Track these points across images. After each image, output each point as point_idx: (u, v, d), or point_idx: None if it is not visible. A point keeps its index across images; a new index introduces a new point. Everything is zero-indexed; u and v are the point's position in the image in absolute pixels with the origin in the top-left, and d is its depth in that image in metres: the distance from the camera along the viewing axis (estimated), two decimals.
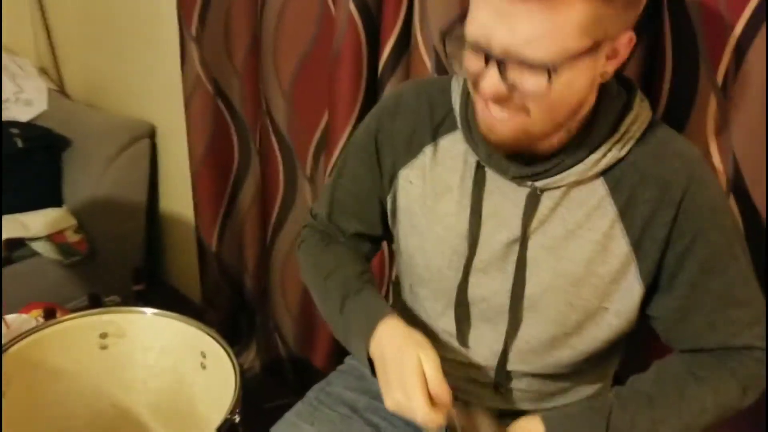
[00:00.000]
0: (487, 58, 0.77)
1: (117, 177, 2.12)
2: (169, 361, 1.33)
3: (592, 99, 0.84)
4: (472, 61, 0.80)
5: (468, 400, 1.04)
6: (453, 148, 0.95)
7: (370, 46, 1.40)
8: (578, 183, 0.87)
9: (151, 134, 2.21)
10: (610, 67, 0.80)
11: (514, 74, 0.76)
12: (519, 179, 0.89)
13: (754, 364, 0.91)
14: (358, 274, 1.02)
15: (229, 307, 2.09)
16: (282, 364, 1.94)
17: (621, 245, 0.87)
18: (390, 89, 1.36)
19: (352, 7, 1.36)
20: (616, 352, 1.03)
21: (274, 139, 1.70)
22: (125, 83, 2.30)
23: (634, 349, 1.08)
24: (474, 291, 0.95)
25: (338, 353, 1.70)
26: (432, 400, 0.83)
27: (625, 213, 0.87)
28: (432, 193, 0.96)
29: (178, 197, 2.25)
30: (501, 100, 0.80)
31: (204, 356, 1.28)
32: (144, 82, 2.22)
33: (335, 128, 1.48)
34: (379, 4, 1.37)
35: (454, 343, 1.01)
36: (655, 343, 0.99)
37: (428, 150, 0.96)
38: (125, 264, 2.12)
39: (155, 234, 2.36)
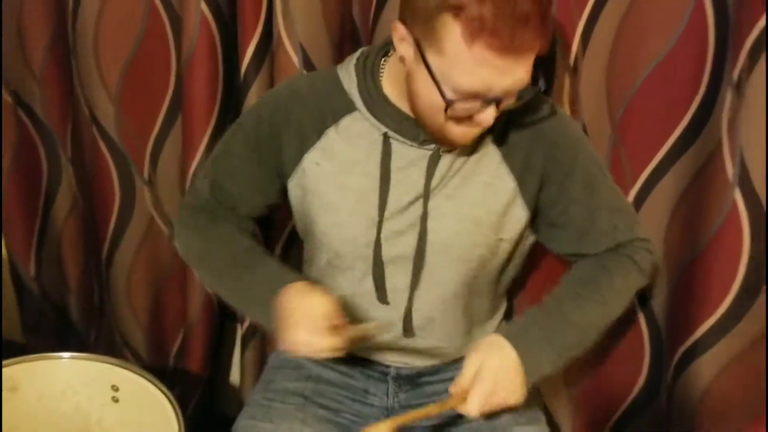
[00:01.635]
0: (488, 101, 0.91)
1: None
2: (71, 403, 1.25)
3: None
4: (466, 105, 0.92)
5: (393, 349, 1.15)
6: (354, 126, 1.05)
7: (225, 46, 1.39)
8: None
9: None
10: None
11: (504, 101, 0.92)
12: (425, 142, 1.02)
13: (645, 252, 1.15)
14: (246, 250, 1.10)
15: (56, 333, 1.92)
16: None
17: (507, 182, 1.05)
18: (256, 89, 1.37)
19: (204, 7, 1.34)
20: (513, 275, 1.20)
21: (103, 147, 1.60)
22: None
23: None
24: (388, 251, 1.06)
25: (214, 352, 1.70)
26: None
27: (507, 155, 1.04)
28: (341, 170, 1.05)
29: None
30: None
31: (116, 389, 1.23)
32: None
33: (192, 132, 1.44)
34: (232, 2, 1.37)
35: (376, 303, 1.11)
36: None
37: (331, 132, 1.06)
38: None
39: None
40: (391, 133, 1.03)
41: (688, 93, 1.21)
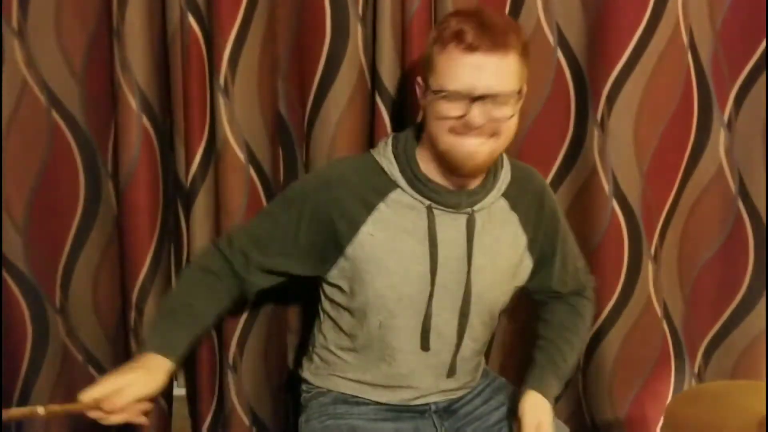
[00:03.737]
0: (472, 100, 1.11)
1: None
2: None
3: None
4: (454, 108, 1.12)
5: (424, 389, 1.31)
6: (400, 201, 1.23)
7: (163, 157, 1.43)
8: (493, 203, 1.26)
9: None
10: None
11: (490, 107, 1.12)
12: (463, 208, 1.23)
13: (593, 292, 1.48)
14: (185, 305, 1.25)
15: None
16: None
17: (522, 239, 1.30)
18: (204, 193, 1.42)
19: (146, 121, 1.38)
20: None
21: (11, 282, 1.50)
22: None
23: None
24: (437, 303, 1.24)
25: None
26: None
27: (521, 217, 1.29)
28: (394, 237, 1.22)
29: None
30: (481, 129, 1.14)
31: None
32: None
33: (135, 247, 1.45)
34: (166, 111, 1.42)
35: (420, 352, 1.27)
36: None
37: (382, 206, 1.22)
38: None
39: None
40: (434, 205, 1.22)
41: (560, 135, 1.57)
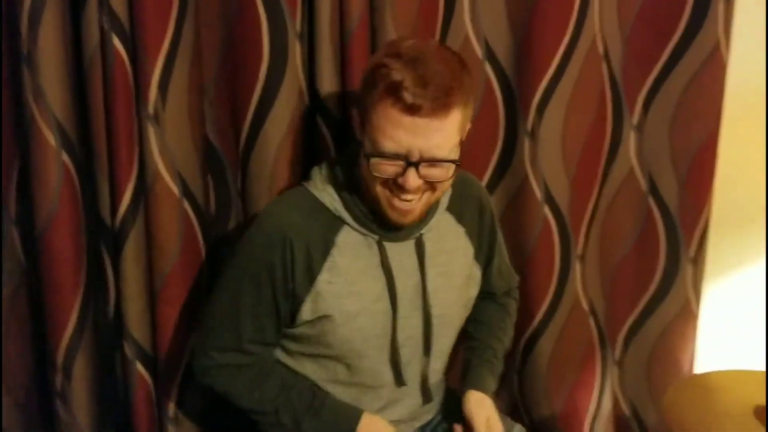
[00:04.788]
0: (407, 163, 1.04)
1: None
2: None
3: None
4: (389, 167, 1.05)
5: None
6: (349, 239, 1.16)
7: (85, 198, 1.27)
8: (439, 222, 1.22)
9: None
10: None
11: (425, 170, 1.06)
12: (413, 234, 1.18)
13: (517, 292, 1.50)
14: (308, 390, 1.19)
15: None
16: None
17: (470, 250, 1.28)
18: (135, 233, 1.28)
19: (66, 158, 1.21)
20: None
21: None
22: None
23: None
24: (401, 334, 1.20)
25: None
26: None
27: (466, 228, 1.27)
28: (351, 280, 1.15)
29: None
30: (417, 189, 1.08)
31: None
32: None
33: (60, 305, 1.29)
34: (85, 145, 1.26)
35: (394, 387, 1.23)
36: None
37: (334, 251, 1.15)
38: None
39: None
40: (383, 239, 1.16)
41: (490, 145, 1.58)
